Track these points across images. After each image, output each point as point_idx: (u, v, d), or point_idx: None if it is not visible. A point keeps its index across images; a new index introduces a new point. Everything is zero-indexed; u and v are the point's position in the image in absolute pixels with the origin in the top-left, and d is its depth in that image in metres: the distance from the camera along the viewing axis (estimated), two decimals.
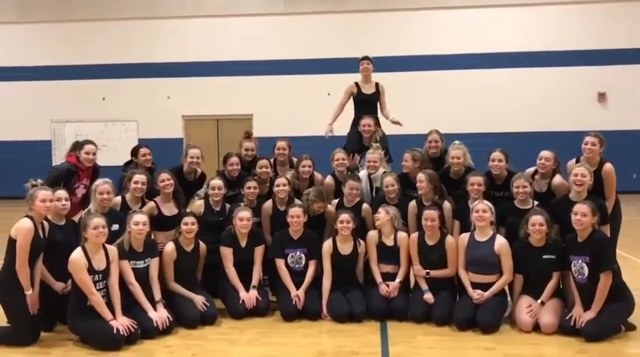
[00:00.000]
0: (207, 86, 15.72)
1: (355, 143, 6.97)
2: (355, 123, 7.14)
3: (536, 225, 5.02)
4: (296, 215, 5.56)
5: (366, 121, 6.89)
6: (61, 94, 16.06)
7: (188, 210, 5.76)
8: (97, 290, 4.72)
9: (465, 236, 5.36)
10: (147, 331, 4.87)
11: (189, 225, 5.40)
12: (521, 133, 14.86)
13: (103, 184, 5.43)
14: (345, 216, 5.49)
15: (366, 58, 7.38)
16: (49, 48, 16.14)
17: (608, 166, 5.47)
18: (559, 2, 15.24)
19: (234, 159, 6.34)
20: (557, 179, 5.63)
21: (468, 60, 15.30)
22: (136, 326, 4.77)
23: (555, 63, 15.20)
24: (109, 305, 4.78)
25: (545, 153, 5.70)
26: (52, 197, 4.89)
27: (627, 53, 15.06)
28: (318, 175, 6.37)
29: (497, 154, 5.77)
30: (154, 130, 15.46)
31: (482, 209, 5.24)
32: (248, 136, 6.77)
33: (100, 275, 4.77)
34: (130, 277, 5.03)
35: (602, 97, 15.34)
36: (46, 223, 4.96)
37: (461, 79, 15.26)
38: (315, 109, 15.04)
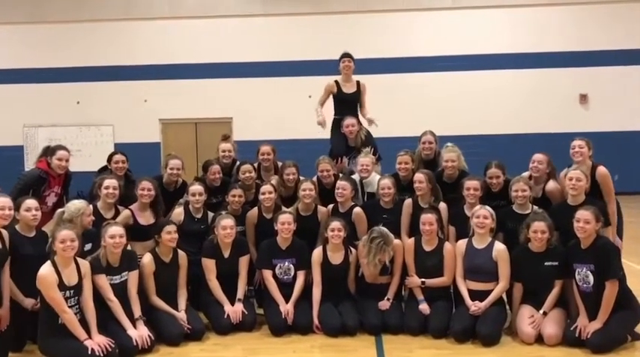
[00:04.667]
0: (185, 89, 15.35)
1: (341, 146, 6.67)
2: (337, 125, 6.81)
3: (538, 232, 4.78)
4: (287, 222, 5.25)
5: (349, 121, 6.58)
6: (34, 97, 15.57)
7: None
8: (69, 307, 4.35)
9: (463, 243, 5.11)
10: (125, 350, 4.50)
11: (171, 233, 5.05)
12: (503, 135, 14.84)
13: (87, 207, 5.05)
14: (335, 224, 5.20)
15: (347, 55, 7.00)
16: (22, 50, 15.63)
17: (602, 170, 5.27)
18: (541, 4, 15.19)
19: (216, 168, 6.05)
20: (552, 184, 5.41)
21: (449, 62, 15.16)
22: (113, 345, 4.39)
23: (537, 64, 15.14)
24: (83, 323, 4.41)
25: (537, 156, 5.46)
26: (10, 205, 4.64)
27: (609, 55, 15.05)
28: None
29: (494, 171, 5.44)
30: (131, 134, 15.08)
31: (483, 215, 4.99)
32: (225, 138, 6.51)
33: (72, 291, 4.40)
34: (108, 293, 4.67)
35: (583, 98, 15.33)
36: (4, 232, 4.60)
37: (443, 82, 15.13)
38: (295, 112, 14.89)
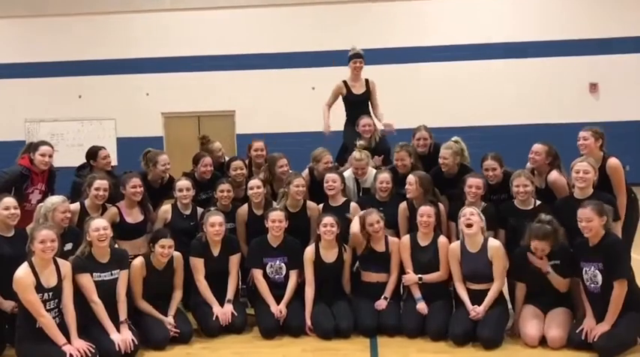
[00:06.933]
0: (188, 82, 15.08)
1: (354, 138, 6.29)
2: (350, 122, 6.59)
3: (539, 250, 4.52)
4: (278, 219, 5.02)
5: (366, 120, 6.32)
6: (35, 92, 15.36)
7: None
8: (48, 311, 4.15)
9: (457, 247, 4.84)
10: (107, 355, 4.30)
11: (165, 248, 4.78)
12: (512, 126, 14.45)
13: (62, 203, 4.83)
14: (328, 219, 4.96)
15: (358, 55, 6.69)
16: (22, 44, 15.43)
17: (612, 161, 4.98)
18: None
19: (208, 160, 5.85)
20: (553, 175, 5.13)
21: (455, 51, 14.81)
22: (93, 350, 4.20)
23: (546, 53, 14.74)
24: (64, 327, 4.21)
25: (536, 146, 5.23)
26: None
27: (620, 42, 14.64)
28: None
29: (490, 163, 5.21)
30: (133, 128, 14.88)
31: (469, 212, 4.75)
32: (206, 141, 6.39)
33: (51, 293, 4.19)
34: (92, 294, 4.44)
35: (593, 87, 14.94)
36: None
37: (449, 72, 14.76)
38: (300, 104, 14.68)
